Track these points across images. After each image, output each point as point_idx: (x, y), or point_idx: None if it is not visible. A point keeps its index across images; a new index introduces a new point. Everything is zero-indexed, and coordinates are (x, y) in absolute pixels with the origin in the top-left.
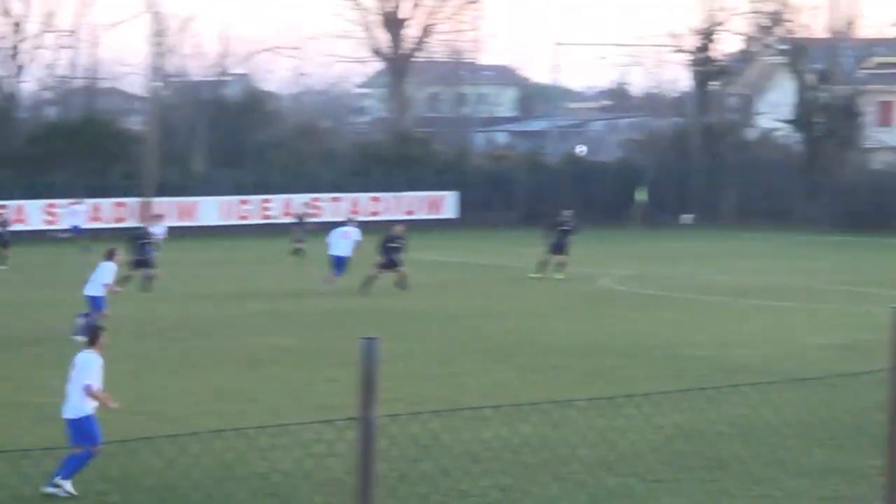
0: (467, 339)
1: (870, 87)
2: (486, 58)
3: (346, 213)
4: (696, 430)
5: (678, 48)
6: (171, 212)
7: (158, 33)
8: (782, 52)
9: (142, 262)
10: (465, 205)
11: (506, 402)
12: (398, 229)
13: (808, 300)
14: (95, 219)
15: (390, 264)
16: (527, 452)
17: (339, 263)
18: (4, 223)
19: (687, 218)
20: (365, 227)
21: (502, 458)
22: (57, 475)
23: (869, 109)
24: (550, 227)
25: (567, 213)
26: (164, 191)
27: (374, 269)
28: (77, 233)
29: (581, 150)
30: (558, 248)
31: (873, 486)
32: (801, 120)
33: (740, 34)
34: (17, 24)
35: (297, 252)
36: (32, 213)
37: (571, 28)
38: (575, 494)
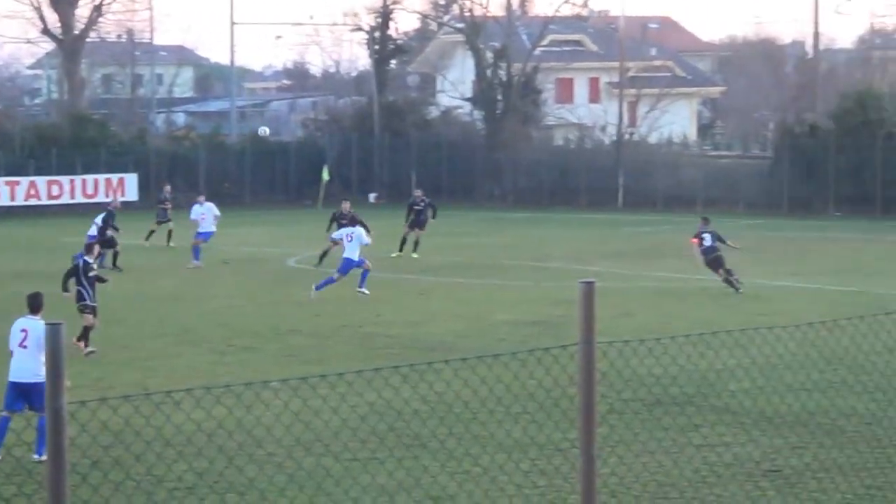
0: (156, 323)
1: (548, 64)
2: (161, 38)
3: (24, 196)
4: (392, 408)
5: (356, 27)
6: None
7: None
8: (459, 31)
9: None
10: (145, 186)
11: (198, 385)
12: (346, 207)
13: (495, 277)
14: None
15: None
16: (222, 435)
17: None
18: None
19: (372, 196)
20: (43, 210)
21: (197, 442)
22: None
23: (548, 87)
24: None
25: (418, 193)
26: None
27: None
28: None
29: (264, 131)
30: (418, 225)
31: (569, 458)
32: (481, 97)
33: (417, 13)
34: None
35: None
36: None
37: (248, 7)
38: (272, 476)
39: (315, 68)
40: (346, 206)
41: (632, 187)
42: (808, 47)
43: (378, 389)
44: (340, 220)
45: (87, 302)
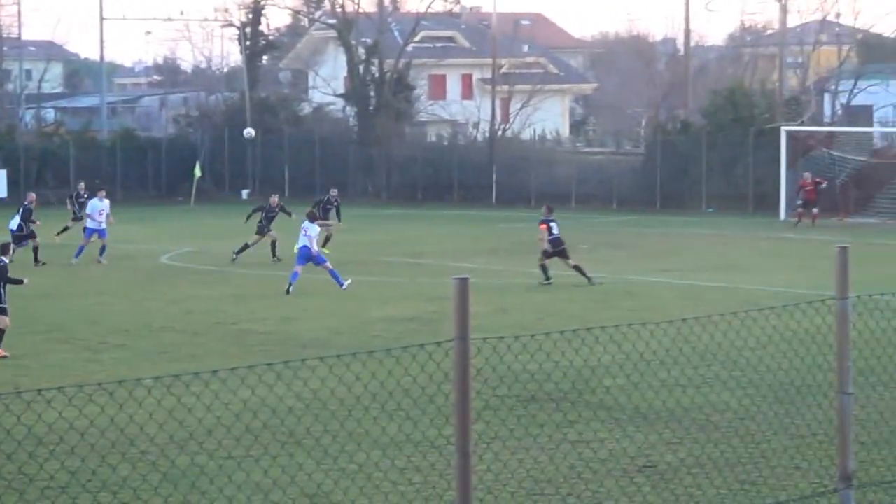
0: (27, 320)
1: (420, 60)
2: (29, 33)
3: None
4: (267, 406)
5: (227, 23)
6: None
7: None
8: (331, 27)
9: None
10: (14, 183)
11: (70, 382)
12: (274, 201)
13: (369, 274)
14: None
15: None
16: (94, 434)
17: None
18: None
19: (245, 193)
20: None
21: (69, 441)
22: None
23: (421, 83)
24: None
25: (335, 192)
26: None
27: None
28: None
29: (249, 133)
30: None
31: (445, 455)
32: (353, 94)
33: (289, 8)
34: None
35: None
36: None
37: (117, 2)
38: (146, 474)
39: (186, 64)
40: (274, 199)
41: (505, 184)
42: (680, 44)
43: (252, 387)
44: (269, 214)
45: (3, 304)
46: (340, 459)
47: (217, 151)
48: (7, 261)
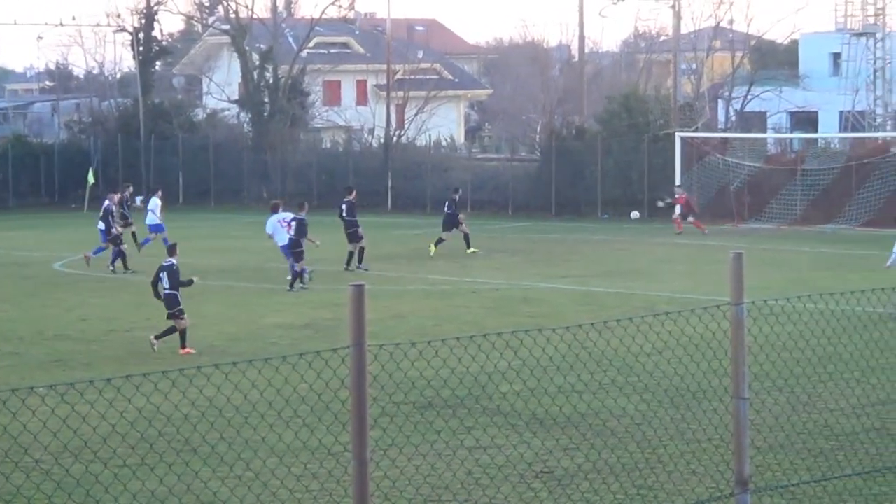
0: None
1: (315, 66)
2: None
3: None
4: (162, 413)
5: (119, 28)
6: None
7: None
8: (225, 32)
9: None
10: None
11: None
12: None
13: (266, 280)
14: None
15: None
16: None
17: None
18: None
19: (139, 199)
20: None
21: None
22: None
23: (315, 89)
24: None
25: (127, 188)
26: None
27: None
28: None
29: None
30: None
31: (342, 462)
32: (247, 100)
33: (182, 14)
34: None
35: None
36: None
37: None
38: (40, 483)
39: (78, 69)
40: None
41: (401, 190)
42: (574, 50)
43: (147, 394)
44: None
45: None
46: (237, 467)
47: (110, 157)
48: (176, 263)
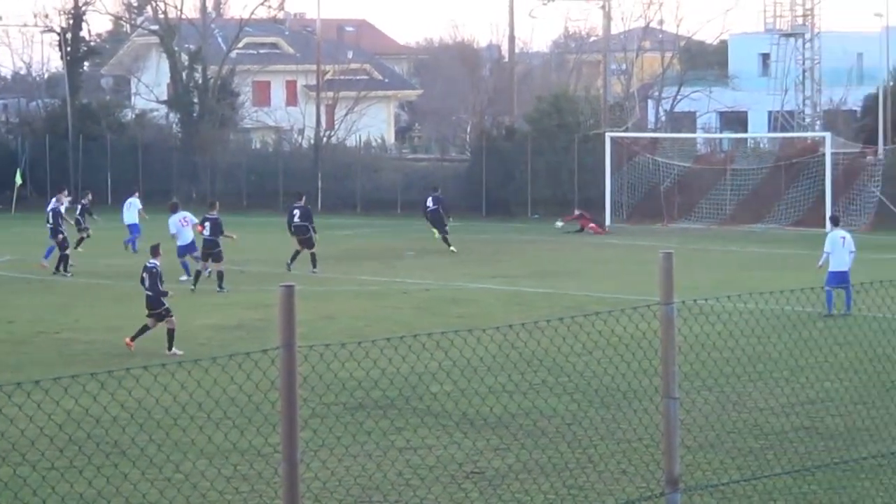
0: None
1: (244, 67)
2: None
3: None
4: (90, 415)
5: (47, 28)
6: None
7: None
8: (154, 33)
9: None
10: None
11: None
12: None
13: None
14: None
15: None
16: None
17: None
18: None
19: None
20: None
21: None
22: None
23: (245, 89)
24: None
25: (86, 195)
26: None
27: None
28: None
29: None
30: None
31: (272, 464)
32: (176, 100)
33: (110, 14)
34: None
35: None
36: None
37: None
38: None
39: (5, 70)
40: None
41: (331, 190)
42: (504, 51)
43: (75, 396)
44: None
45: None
46: (166, 469)
47: (38, 158)
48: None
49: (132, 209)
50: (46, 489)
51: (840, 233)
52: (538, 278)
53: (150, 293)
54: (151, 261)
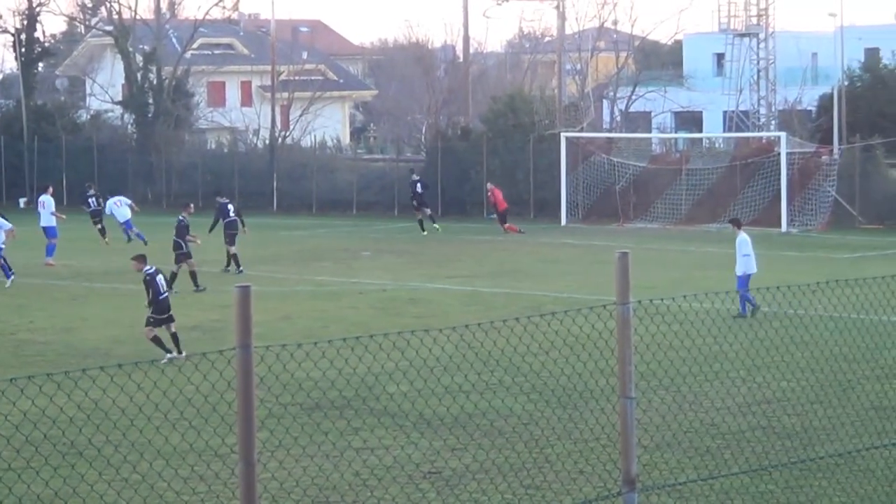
0: None
1: (199, 67)
2: None
3: None
4: (47, 416)
5: (1, 29)
6: None
7: None
8: (108, 33)
9: None
10: None
11: None
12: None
13: None
14: None
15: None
16: None
17: None
18: None
19: (22, 202)
20: None
21: None
22: None
23: (200, 90)
24: None
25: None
26: None
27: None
28: None
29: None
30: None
31: (229, 464)
32: (131, 101)
33: (64, 15)
34: None
35: None
36: None
37: None
38: None
39: None
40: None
41: (287, 191)
42: (459, 51)
43: (32, 397)
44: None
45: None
46: (123, 470)
47: None
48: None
49: (123, 206)
50: (3, 490)
51: (746, 235)
52: (494, 278)
53: (162, 296)
54: (147, 268)
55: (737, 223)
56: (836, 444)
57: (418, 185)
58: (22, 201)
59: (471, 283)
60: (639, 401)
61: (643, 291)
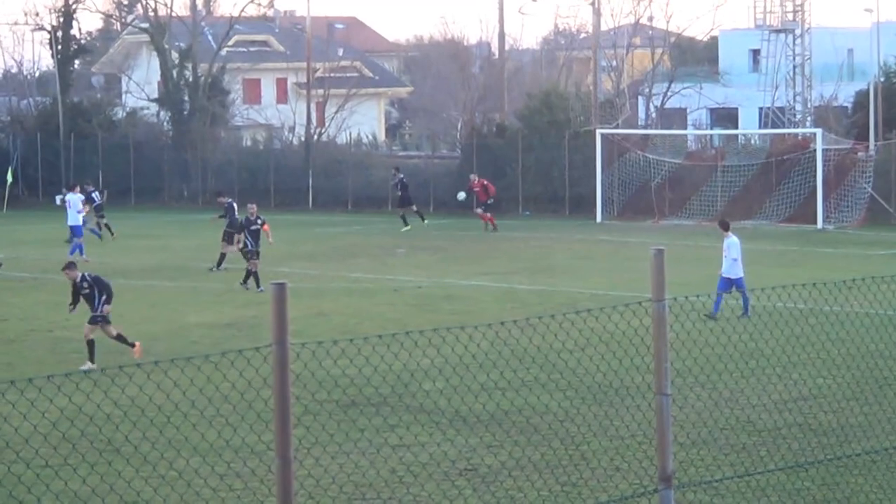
0: None
1: (235, 64)
2: None
3: None
4: (85, 413)
5: (37, 26)
6: None
7: None
8: (144, 31)
9: None
10: None
11: None
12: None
13: (187, 279)
14: None
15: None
16: None
17: None
18: None
19: (58, 199)
20: None
21: None
22: None
23: (235, 87)
24: None
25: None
26: None
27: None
28: None
29: (461, 196)
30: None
31: (265, 461)
32: (167, 98)
33: (100, 12)
34: None
35: None
36: None
37: None
38: None
39: None
40: (252, 209)
41: (322, 188)
42: (494, 48)
43: (69, 394)
44: (250, 227)
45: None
46: (160, 467)
47: (30, 157)
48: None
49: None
50: (41, 487)
51: (736, 238)
52: (530, 275)
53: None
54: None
55: (725, 225)
56: (873, 441)
57: (401, 183)
58: (58, 198)
59: (506, 280)
60: (675, 398)
61: (678, 288)
